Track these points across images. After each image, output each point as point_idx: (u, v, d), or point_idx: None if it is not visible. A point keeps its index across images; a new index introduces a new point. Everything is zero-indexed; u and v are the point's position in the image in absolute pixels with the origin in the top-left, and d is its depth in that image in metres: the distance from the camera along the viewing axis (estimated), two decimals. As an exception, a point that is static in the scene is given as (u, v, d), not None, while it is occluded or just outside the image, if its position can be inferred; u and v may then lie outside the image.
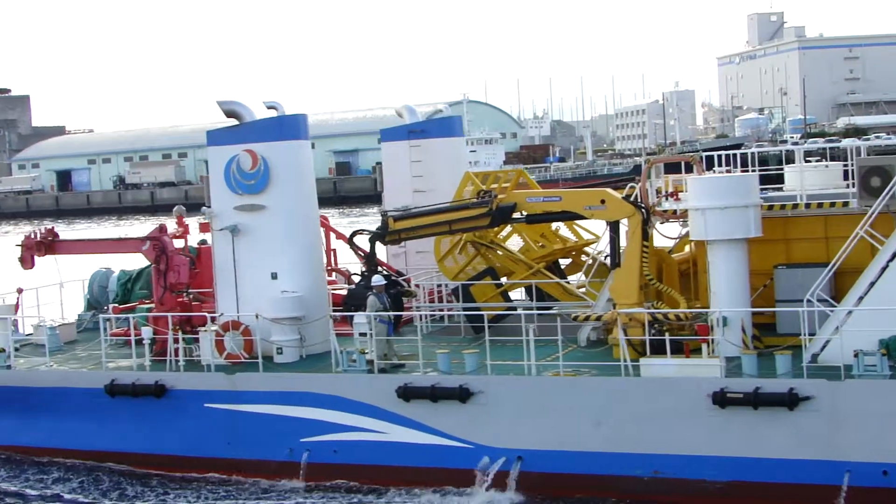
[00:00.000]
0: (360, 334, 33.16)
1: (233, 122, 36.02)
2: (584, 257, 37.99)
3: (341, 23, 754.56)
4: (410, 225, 34.45)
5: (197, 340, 34.83)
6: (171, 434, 34.13)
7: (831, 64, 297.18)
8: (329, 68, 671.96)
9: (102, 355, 35.31)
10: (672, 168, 35.77)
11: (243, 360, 33.88)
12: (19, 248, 38.33)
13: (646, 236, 31.38)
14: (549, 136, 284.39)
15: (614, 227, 31.82)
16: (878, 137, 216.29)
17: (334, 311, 34.81)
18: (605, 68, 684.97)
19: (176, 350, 34.74)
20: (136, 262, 42.78)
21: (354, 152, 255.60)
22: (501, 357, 30.99)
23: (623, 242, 32.35)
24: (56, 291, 42.04)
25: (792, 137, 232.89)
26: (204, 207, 36.04)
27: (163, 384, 33.90)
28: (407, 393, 30.98)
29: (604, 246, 37.34)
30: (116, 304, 41.86)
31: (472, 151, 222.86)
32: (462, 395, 30.42)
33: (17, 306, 39.54)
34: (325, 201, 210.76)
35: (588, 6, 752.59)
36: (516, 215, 34.67)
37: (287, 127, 35.48)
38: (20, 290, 39.61)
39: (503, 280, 36.77)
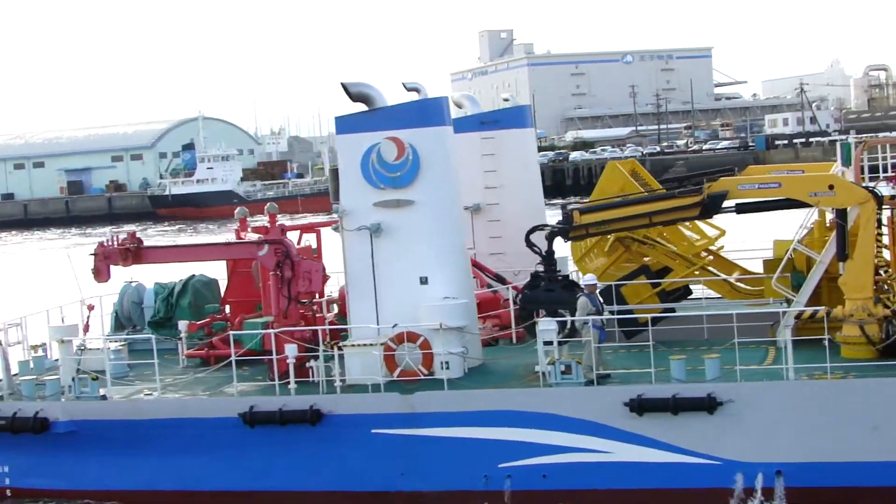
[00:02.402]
0: (546, 343, 29.28)
1: (360, 106, 31.47)
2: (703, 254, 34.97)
3: (75, 38, 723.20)
4: (600, 219, 30.69)
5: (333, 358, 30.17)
6: (329, 467, 29.35)
7: (559, 80, 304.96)
8: (57, 85, 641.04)
9: (234, 378, 30.10)
10: None
11: (422, 377, 29.42)
12: (93, 257, 32.34)
13: (879, 224, 28.94)
14: (287, 153, 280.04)
15: (841, 214, 29.14)
16: (603, 150, 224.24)
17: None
18: (337, 82, 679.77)
19: (308, 370, 30.03)
20: (169, 274, 37.54)
21: (86, 171, 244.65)
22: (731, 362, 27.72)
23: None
24: (75, 309, 36.23)
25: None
26: (335, 205, 31.33)
27: (318, 409, 29.04)
28: (641, 406, 27.39)
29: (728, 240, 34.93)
30: (155, 321, 36.59)
31: (208, 168, 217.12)
32: (710, 405, 27.08)
33: (86, 326, 33.65)
34: (56, 221, 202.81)
35: (322, 23, 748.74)
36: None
37: (433, 111, 31.25)
38: (91, 307, 33.71)
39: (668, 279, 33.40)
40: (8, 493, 31.86)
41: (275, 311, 31.43)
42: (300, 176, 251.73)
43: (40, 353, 34.64)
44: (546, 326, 29.34)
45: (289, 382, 29.60)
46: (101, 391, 30.71)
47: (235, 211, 36.62)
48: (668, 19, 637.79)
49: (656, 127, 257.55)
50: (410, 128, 30.78)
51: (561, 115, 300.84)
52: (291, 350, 29.63)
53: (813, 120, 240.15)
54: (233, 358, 30.19)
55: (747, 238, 36.26)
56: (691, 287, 34.42)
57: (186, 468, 30.20)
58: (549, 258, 30.80)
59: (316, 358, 30.02)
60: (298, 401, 29.32)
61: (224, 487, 30.01)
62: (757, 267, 33.58)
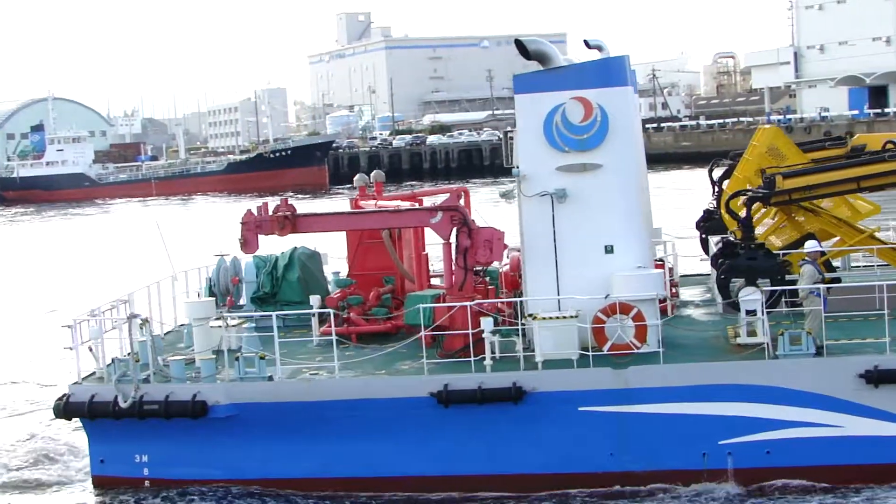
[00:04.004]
0: (748, 312, 27.91)
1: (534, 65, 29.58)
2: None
3: None
4: (804, 183, 29.33)
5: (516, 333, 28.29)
6: (531, 448, 27.40)
7: (416, 63, 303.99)
8: None
9: (424, 359, 27.84)
10: None
11: (635, 350, 27.68)
12: (242, 226, 29.65)
13: None
14: (141, 135, 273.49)
15: None
16: (460, 134, 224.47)
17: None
18: (196, 66, 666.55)
19: (481, 346, 28.03)
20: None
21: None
22: None
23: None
24: (165, 286, 33.56)
25: (381, 134, 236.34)
26: (514, 169, 29.34)
27: (520, 386, 27.07)
28: (879, 377, 26.18)
29: None
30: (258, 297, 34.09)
31: (58, 150, 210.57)
32: None
33: (230, 301, 30.99)
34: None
35: (176, 4, 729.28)
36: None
37: (619, 70, 29.53)
38: (235, 280, 31.00)
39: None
40: (146, 483, 29.05)
41: (448, 283, 29.26)
42: (154, 158, 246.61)
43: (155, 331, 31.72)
44: (750, 296, 27.93)
45: (484, 359, 27.50)
46: (267, 372, 28.12)
47: (355, 178, 34.27)
48: (524, 4, 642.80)
49: (513, 111, 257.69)
50: (597, 87, 29.05)
51: (419, 99, 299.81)
52: (487, 324, 27.54)
53: (665, 105, 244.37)
54: (423, 333, 28.03)
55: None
56: (852, 256, 33.39)
57: (369, 453, 27.89)
58: (747, 225, 29.35)
59: (495, 333, 27.92)
60: (498, 378, 27.28)
61: (411, 472, 27.82)
62: None
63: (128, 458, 29.16)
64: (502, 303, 29.92)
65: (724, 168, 37.35)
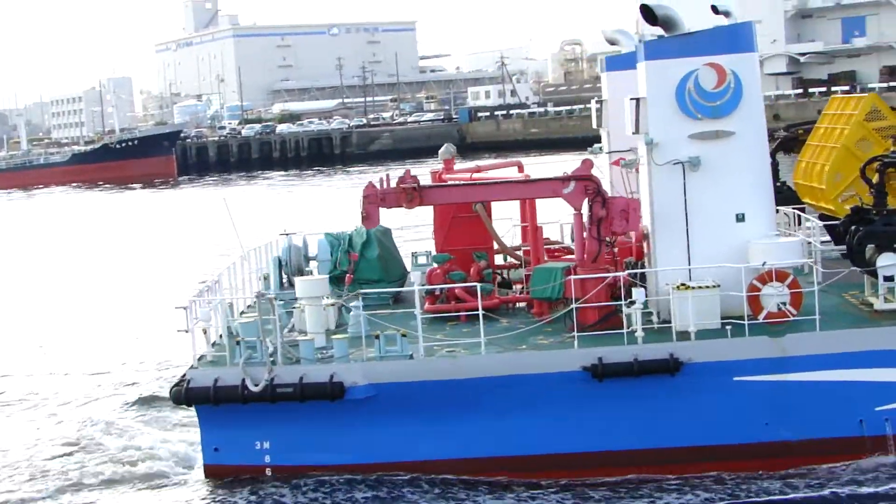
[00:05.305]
0: (886, 278, 27.92)
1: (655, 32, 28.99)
2: None
3: None
4: None
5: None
6: (688, 420, 26.88)
7: (265, 52, 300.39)
8: None
9: (575, 333, 27.02)
10: None
11: (791, 318, 27.33)
12: (364, 199, 28.34)
13: None
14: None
15: None
16: (310, 123, 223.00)
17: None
18: (37, 55, 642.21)
19: (617, 319, 27.45)
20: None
21: None
22: None
23: None
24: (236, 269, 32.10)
25: (230, 124, 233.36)
26: (643, 136, 28.69)
27: (677, 357, 26.51)
28: None
29: None
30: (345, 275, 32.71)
31: None
32: None
33: (349, 278, 29.64)
34: None
35: None
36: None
37: (748, 36, 29.07)
38: (354, 256, 29.71)
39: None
40: (268, 471, 27.58)
41: (579, 255, 28.48)
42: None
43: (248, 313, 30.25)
44: (888, 262, 27.90)
45: (632, 330, 26.80)
46: (408, 350, 26.98)
47: (440, 151, 33.17)
48: None
49: (363, 99, 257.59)
50: (728, 53, 28.55)
51: (268, 88, 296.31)
52: (640, 295, 26.87)
53: (513, 93, 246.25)
54: (574, 306, 27.19)
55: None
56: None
57: (519, 430, 26.99)
58: (880, 191, 29.22)
59: (627, 305, 27.25)
60: (653, 350, 26.64)
61: (562, 449, 26.99)
62: None
63: (247, 445, 27.61)
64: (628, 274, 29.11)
65: (778, 140, 37.24)
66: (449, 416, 26.96)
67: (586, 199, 28.08)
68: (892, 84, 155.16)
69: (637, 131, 28.98)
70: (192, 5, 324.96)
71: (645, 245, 29.49)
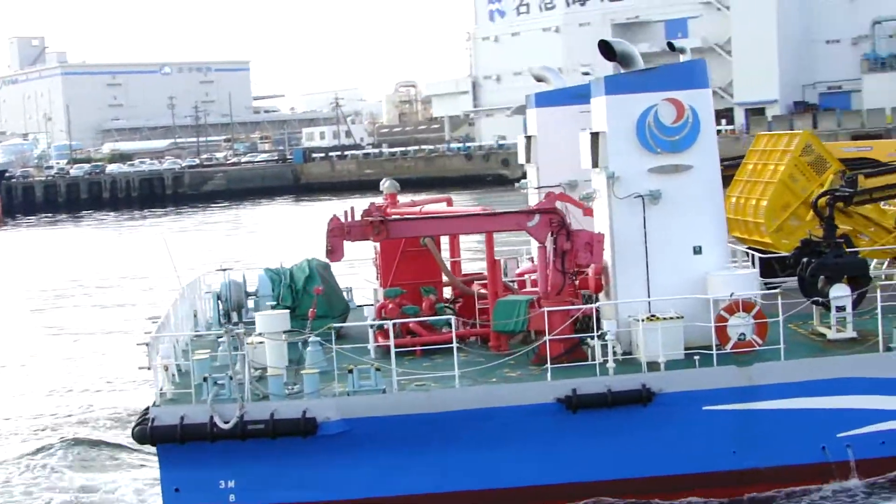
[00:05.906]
0: (839, 308, 28.84)
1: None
2: None
3: None
4: (886, 182, 30.21)
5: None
6: (658, 450, 27.14)
7: (95, 90, 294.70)
8: None
9: (549, 366, 27.08)
10: None
11: (757, 347, 27.88)
12: (328, 233, 27.94)
13: None
14: None
15: None
16: (142, 163, 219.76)
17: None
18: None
19: (581, 352, 27.81)
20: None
21: None
22: None
23: None
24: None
25: (58, 163, 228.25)
26: (601, 171, 29.04)
27: (649, 388, 26.85)
28: None
29: None
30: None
31: None
32: None
33: (312, 311, 29.16)
34: None
35: None
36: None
37: (703, 73, 29.71)
38: (319, 291, 29.18)
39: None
40: (232, 511, 26.88)
41: (542, 288, 28.60)
42: None
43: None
44: (840, 293, 28.77)
45: (604, 361, 27.01)
46: (380, 384, 26.66)
47: (385, 185, 32.99)
48: (206, 32, 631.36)
49: (195, 139, 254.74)
50: (686, 89, 29.13)
51: (97, 127, 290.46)
52: (611, 326, 27.12)
53: (348, 133, 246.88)
54: (547, 338, 27.29)
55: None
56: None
57: (493, 463, 26.84)
58: (830, 224, 30.06)
59: (593, 338, 27.52)
60: (624, 381, 26.87)
61: (537, 481, 26.96)
62: None
63: (210, 485, 26.83)
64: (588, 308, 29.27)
65: None
66: (423, 449, 26.69)
67: (550, 232, 28.15)
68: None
69: (596, 165, 29.24)
70: (18, 42, 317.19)
71: (604, 278, 29.70)
